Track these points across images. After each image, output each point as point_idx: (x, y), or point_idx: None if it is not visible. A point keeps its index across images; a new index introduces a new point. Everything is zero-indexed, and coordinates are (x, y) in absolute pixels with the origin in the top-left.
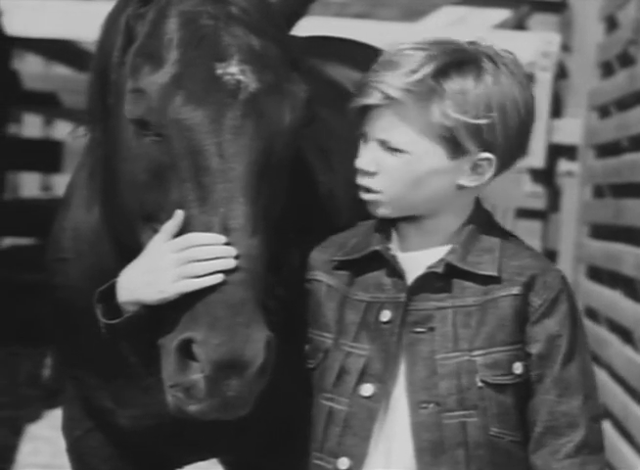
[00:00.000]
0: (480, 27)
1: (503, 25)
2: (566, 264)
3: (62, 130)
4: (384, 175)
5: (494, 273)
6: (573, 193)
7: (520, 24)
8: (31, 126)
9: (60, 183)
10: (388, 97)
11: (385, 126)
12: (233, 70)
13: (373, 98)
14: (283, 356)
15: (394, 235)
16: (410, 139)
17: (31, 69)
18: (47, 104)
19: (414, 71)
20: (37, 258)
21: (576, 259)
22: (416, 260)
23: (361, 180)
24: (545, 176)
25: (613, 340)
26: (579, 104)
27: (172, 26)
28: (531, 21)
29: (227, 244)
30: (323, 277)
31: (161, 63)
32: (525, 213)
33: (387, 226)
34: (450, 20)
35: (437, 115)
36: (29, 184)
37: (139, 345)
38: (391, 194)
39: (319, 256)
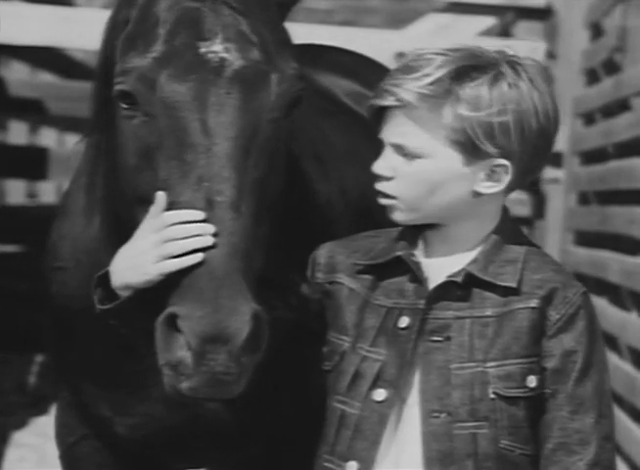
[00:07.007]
0: (465, 35)
1: (488, 33)
2: None
3: (47, 137)
4: (400, 181)
5: (514, 285)
6: (559, 200)
7: (505, 32)
8: (17, 133)
9: (45, 190)
10: (401, 100)
11: (400, 131)
12: (217, 49)
13: (387, 100)
14: (291, 364)
15: (420, 241)
16: (425, 144)
17: (17, 76)
18: (33, 111)
19: (428, 75)
20: (22, 265)
21: None
22: (440, 268)
23: (379, 185)
24: (530, 183)
25: None
26: (564, 111)
27: (158, 9)
28: (517, 28)
29: (207, 220)
30: (345, 280)
31: (148, 45)
32: None
33: (413, 232)
34: (435, 27)
35: (451, 117)
36: (15, 191)
37: (137, 329)
38: (408, 200)
39: (345, 259)
